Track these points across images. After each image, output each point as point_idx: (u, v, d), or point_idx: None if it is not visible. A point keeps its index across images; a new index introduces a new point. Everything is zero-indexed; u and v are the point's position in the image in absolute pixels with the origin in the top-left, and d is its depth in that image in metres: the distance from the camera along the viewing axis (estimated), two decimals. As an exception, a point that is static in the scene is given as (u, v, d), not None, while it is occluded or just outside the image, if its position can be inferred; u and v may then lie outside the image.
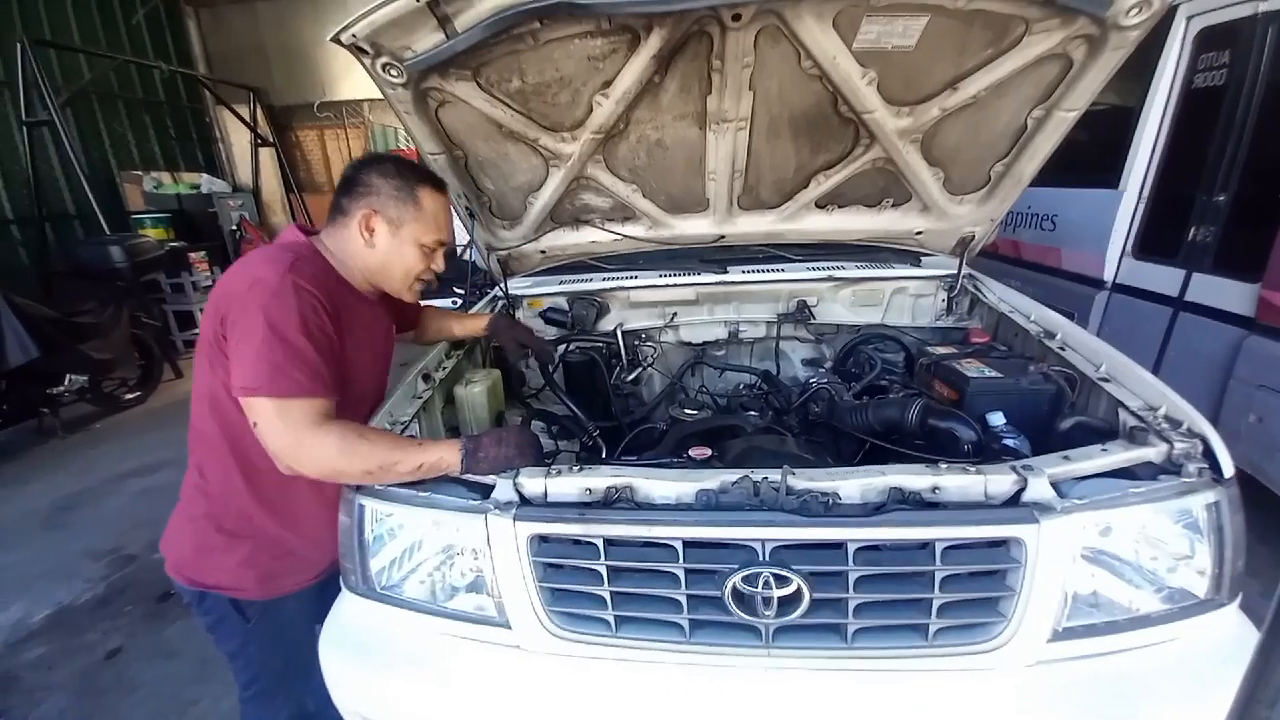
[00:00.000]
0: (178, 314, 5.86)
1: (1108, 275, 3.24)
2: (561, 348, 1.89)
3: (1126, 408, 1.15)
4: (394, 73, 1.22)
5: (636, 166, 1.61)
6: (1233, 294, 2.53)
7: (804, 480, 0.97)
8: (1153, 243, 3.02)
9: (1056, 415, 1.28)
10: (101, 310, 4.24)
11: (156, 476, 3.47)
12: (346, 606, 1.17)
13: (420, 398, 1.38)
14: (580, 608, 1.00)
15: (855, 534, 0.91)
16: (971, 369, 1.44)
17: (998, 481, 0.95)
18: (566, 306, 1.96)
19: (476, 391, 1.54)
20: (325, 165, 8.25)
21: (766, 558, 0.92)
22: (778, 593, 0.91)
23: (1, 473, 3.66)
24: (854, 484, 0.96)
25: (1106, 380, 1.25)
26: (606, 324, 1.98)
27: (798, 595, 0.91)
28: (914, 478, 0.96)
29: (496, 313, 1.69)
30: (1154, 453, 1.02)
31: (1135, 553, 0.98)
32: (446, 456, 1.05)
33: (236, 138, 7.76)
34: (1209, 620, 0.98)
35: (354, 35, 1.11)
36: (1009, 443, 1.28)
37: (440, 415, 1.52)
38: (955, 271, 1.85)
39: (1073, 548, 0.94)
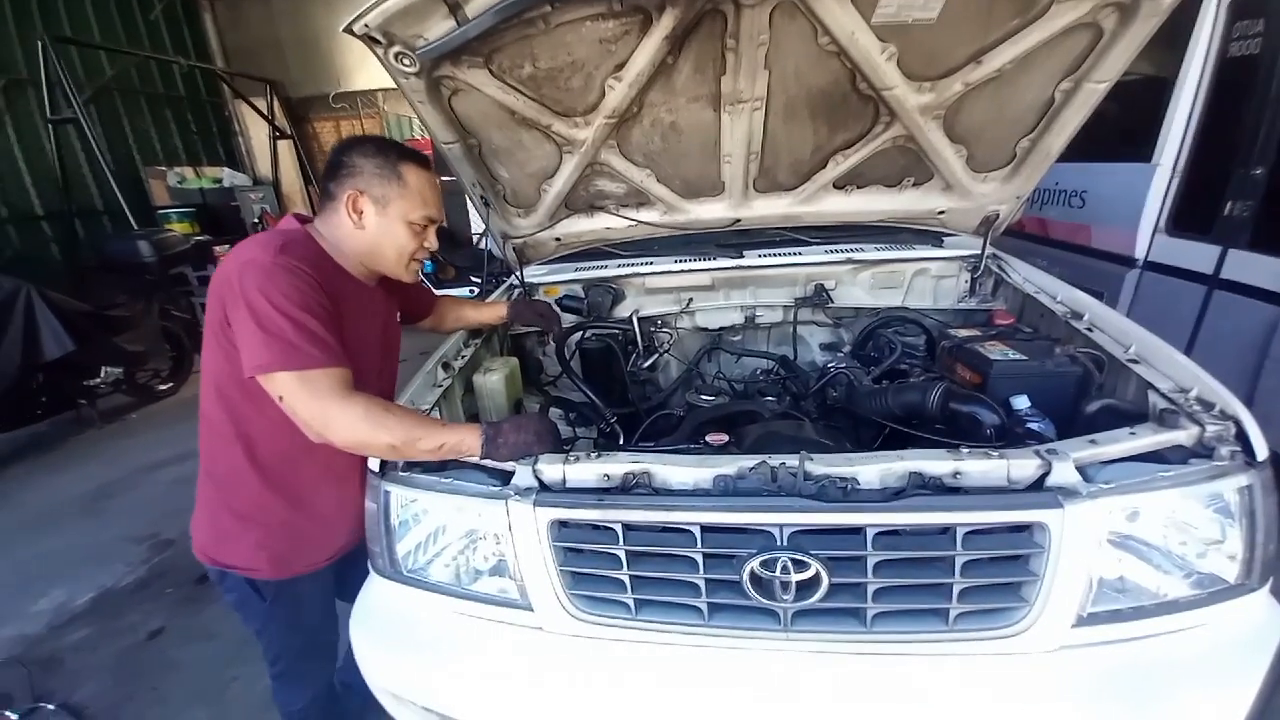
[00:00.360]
0: (205, 306, 5.99)
1: (1139, 253, 3.13)
2: (578, 335, 1.89)
3: (1156, 390, 1.12)
4: (407, 62, 1.22)
5: (650, 151, 1.59)
6: (1270, 271, 2.43)
7: (822, 465, 0.96)
8: (1187, 218, 2.91)
9: (1083, 398, 1.25)
10: (132, 303, 4.36)
11: (189, 465, 3.54)
12: (375, 589, 1.21)
13: (440, 386, 1.40)
14: (600, 591, 1.01)
15: (874, 519, 0.90)
16: (995, 351, 1.41)
17: (1021, 466, 0.93)
18: (582, 293, 1.96)
19: (494, 380, 1.56)
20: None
21: (784, 543, 0.92)
22: (796, 577, 0.91)
23: (42, 462, 3.81)
24: (873, 469, 0.96)
25: (1136, 362, 1.21)
26: (622, 310, 1.98)
27: (816, 580, 0.91)
28: (934, 463, 0.95)
29: (514, 298, 1.70)
30: (1184, 436, 0.99)
31: (1164, 538, 0.96)
32: (468, 439, 1.06)
33: (255, 131, 7.85)
34: (1239, 605, 0.96)
35: (366, 25, 1.12)
36: (1033, 426, 1.25)
37: (460, 403, 1.54)
38: (979, 251, 1.80)
39: (1099, 533, 0.92)
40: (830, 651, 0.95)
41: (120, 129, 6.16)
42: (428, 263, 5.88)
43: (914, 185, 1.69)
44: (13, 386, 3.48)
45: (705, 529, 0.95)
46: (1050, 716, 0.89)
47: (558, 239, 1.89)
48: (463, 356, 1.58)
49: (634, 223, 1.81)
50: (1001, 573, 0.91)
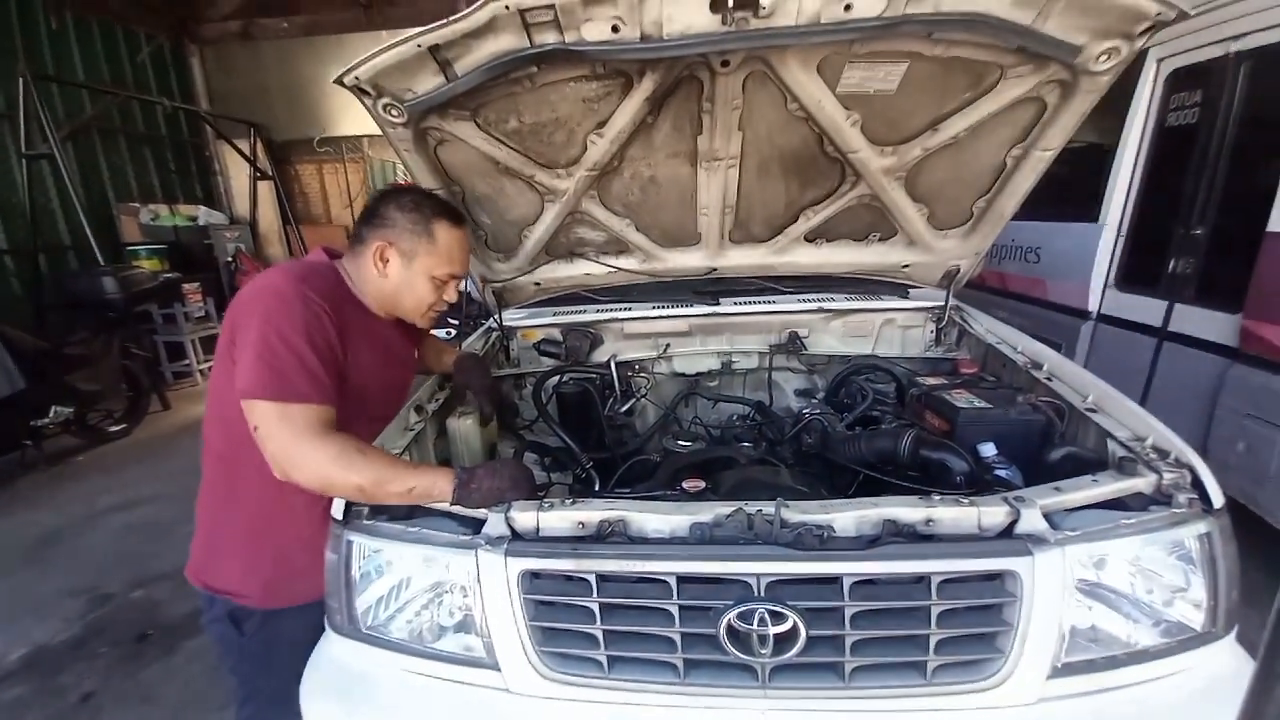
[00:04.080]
0: (169, 345, 5.83)
1: (1092, 306, 3.30)
2: (555, 379, 1.89)
3: (1115, 438, 1.16)
4: (395, 113, 1.25)
5: (630, 202, 1.64)
6: (1215, 324, 2.58)
7: (798, 513, 0.96)
8: (1134, 274, 3.10)
9: (1046, 446, 1.28)
10: (92, 340, 4.22)
11: (139, 512, 3.39)
12: (330, 647, 1.14)
13: (412, 430, 1.37)
14: (572, 647, 0.97)
15: (850, 568, 0.90)
16: (961, 399, 1.45)
17: (991, 513, 0.95)
18: (560, 338, 1.97)
19: (468, 424, 1.54)
20: (323, 198, 8.36)
21: (762, 593, 0.91)
22: (773, 630, 0.89)
23: (-19, 507, 3.57)
24: (848, 516, 0.96)
25: (1094, 411, 1.26)
26: (600, 355, 1.99)
27: (794, 633, 0.90)
28: (908, 510, 0.96)
29: (464, 351, 1.70)
30: (1144, 483, 1.03)
31: (1131, 585, 0.98)
32: (439, 484, 1.04)
33: (236, 171, 7.87)
34: (1207, 654, 0.97)
35: (357, 78, 1.15)
36: (1001, 473, 1.28)
37: (433, 447, 1.51)
38: (943, 303, 1.88)
39: (1067, 580, 0.93)
40: (809, 709, 0.92)
41: (96, 166, 6.11)
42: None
43: (880, 240, 1.77)
44: (-46, 426, 3.30)
45: (681, 579, 0.93)
46: None
47: (537, 284, 1.91)
48: (437, 400, 1.56)
49: (613, 270, 1.85)
50: (977, 623, 0.91)
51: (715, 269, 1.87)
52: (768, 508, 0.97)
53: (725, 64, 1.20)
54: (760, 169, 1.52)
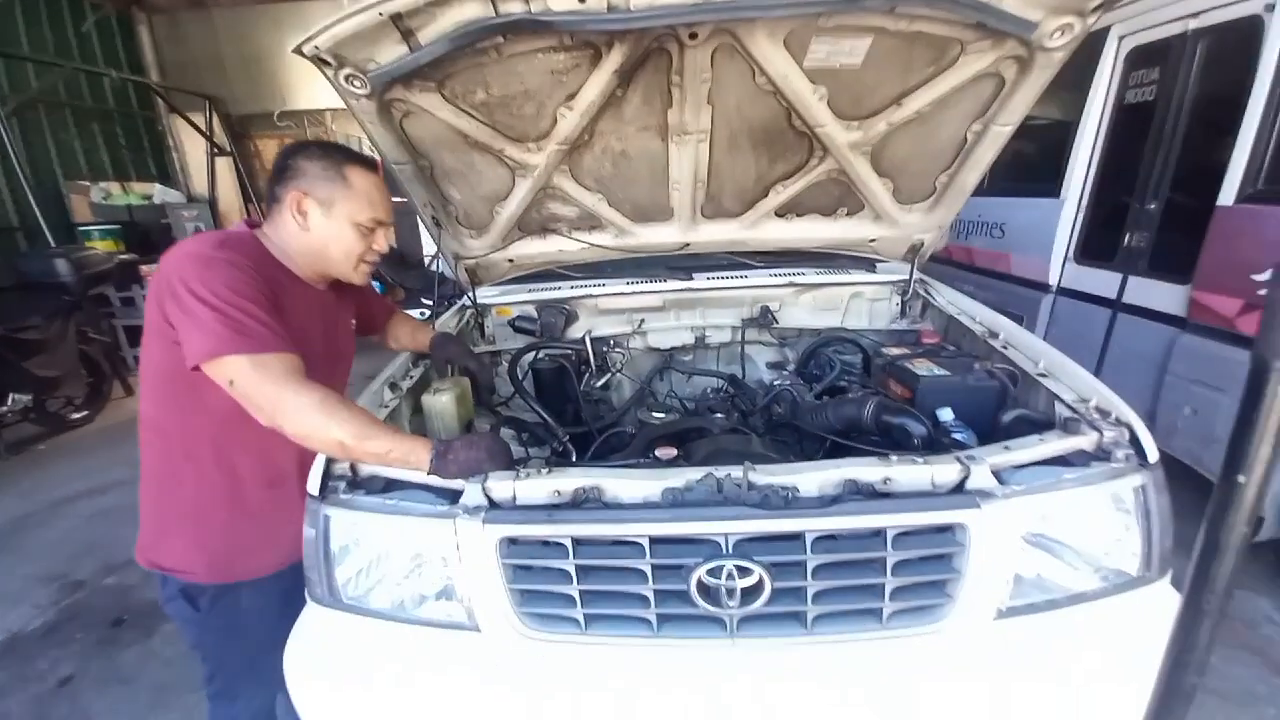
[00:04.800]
0: (128, 329, 5.63)
1: (1052, 279, 3.42)
2: (530, 355, 1.90)
3: (1062, 400, 1.23)
4: (357, 84, 1.23)
5: (602, 176, 1.64)
6: (1166, 295, 2.71)
7: (765, 476, 1.01)
8: (1092, 248, 3.21)
9: (1000, 409, 1.35)
10: (47, 326, 4.05)
11: (107, 498, 3.32)
12: (311, 618, 1.16)
13: (386, 406, 1.37)
14: (550, 608, 1.01)
15: (813, 524, 0.95)
16: (922, 368, 1.52)
17: (943, 471, 1.01)
18: (535, 314, 1.97)
19: (444, 400, 1.54)
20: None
21: (730, 550, 0.96)
22: (740, 584, 0.94)
23: (-63, 498, 3.45)
24: (812, 478, 1.01)
25: (1045, 376, 1.33)
26: (575, 331, 2.00)
27: (759, 586, 0.95)
28: (867, 470, 1.01)
29: (439, 331, 1.69)
30: (1086, 441, 1.10)
31: (1072, 535, 1.06)
32: (418, 451, 1.05)
33: (192, 147, 7.53)
34: (1142, 595, 1.05)
35: (316, 47, 1.12)
36: (957, 436, 1.35)
37: (408, 425, 1.52)
38: (907, 277, 1.94)
39: (1014, 531, 1.00)
40: (774, 655, 0.98)
41: (42, 142, 5.79)
42: (378, 284, 5.74)
43: (848, 215, 1.81)
44: (-98, 416, 3.16)
45: (654, 540, 0.97)
46: (971, 691, 0.95)
47: (510, 260, 1.91)
48: (411, 377, 1.56)
49: (586, 245, 1.85)
50: (929, 571, 0.98)
51: (688, 244, 1.89)
52: (736, 471, 1.01)
53: (693, 36, 1.20)
54: (730, 143, 1.53)
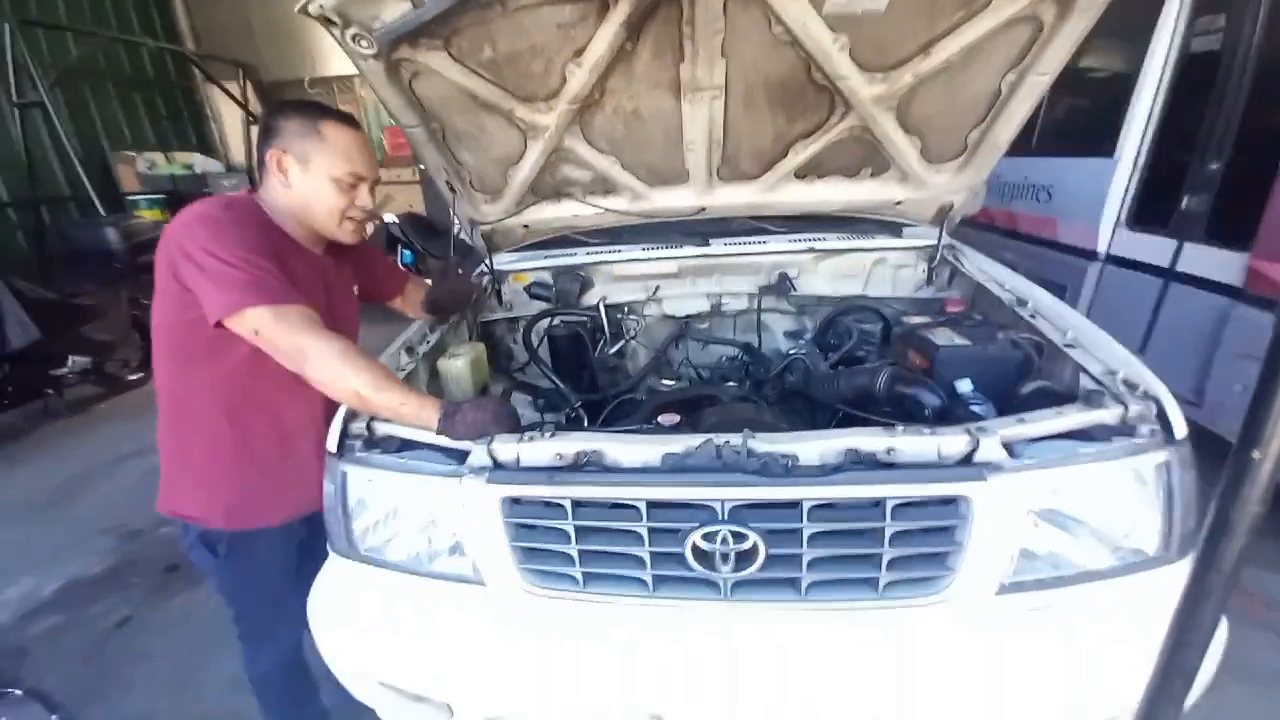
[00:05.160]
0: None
1: (1101, 247, 3.22)
2: (545, 322, 1.91)
3: (1087, 372, 1.17)
4: (364, 44, 1.21)
5: (614, 138, 1.61)
6: (1222, 264, 2.51)
7: (765, 443, 1.00)
8: (1146, 213, 2.99)
9: (1021, 381, 1.30)
10: (100, 292, 4.27)
11: (158, 456, 3.54)
12: (332, 568, 1.23)
13: (403, 370, 1.41)
14: (550, 565, 1.04)
15: (809, 493, 0.94)
16: (941, 337, 1.46)
17: (950, 443, 0.98)
18: (551, 281, 1.97)
19: (459, 365, 1.57)
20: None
21: (725, 516, 0.96)
22: (735, 549, 0.95)
23: (10, 453, 3.74)
24: (813, 446, 1.00)
25: (1072, 346, 1.27)
26: (591, 298, 2.00)
27: (754, 551, 0.95)
28: (871, 439, 0.99)
29: (433, 285, 1.70)
30: (1109, 415, 1.05)
31: (1088, 511, 1.02)
32: (428, 410, 1.08)
33: (228, 115, 7.67)
34: (1158, 576, 1.01)
35: (321, 6, 1.11)
36: (976, 408, 1.31)
37: (425, 389, 1.55)
38: (935, 242, 1.85)
39: (1022, 506, 0.97)
40: (768, 619, 0.99)
41: (87, 114, 6.00)
42: (408, 254, 5.82)
43: (872, 175, 1.72)
44: (-25, 376, 3.41)
45: (650, 504, 0.98)
46: (966, 661, 0.95)
47: (525, 226, 1.90)
48: (427, 341, 1.58)
49: (600, 210, 1.82)
50: (928, 543, 0.96)
51: (704, 208, 1.84)
52: (735, 438, 1.00)
53: (703, -17, 1.14)
54: (747, 100, 1.47)
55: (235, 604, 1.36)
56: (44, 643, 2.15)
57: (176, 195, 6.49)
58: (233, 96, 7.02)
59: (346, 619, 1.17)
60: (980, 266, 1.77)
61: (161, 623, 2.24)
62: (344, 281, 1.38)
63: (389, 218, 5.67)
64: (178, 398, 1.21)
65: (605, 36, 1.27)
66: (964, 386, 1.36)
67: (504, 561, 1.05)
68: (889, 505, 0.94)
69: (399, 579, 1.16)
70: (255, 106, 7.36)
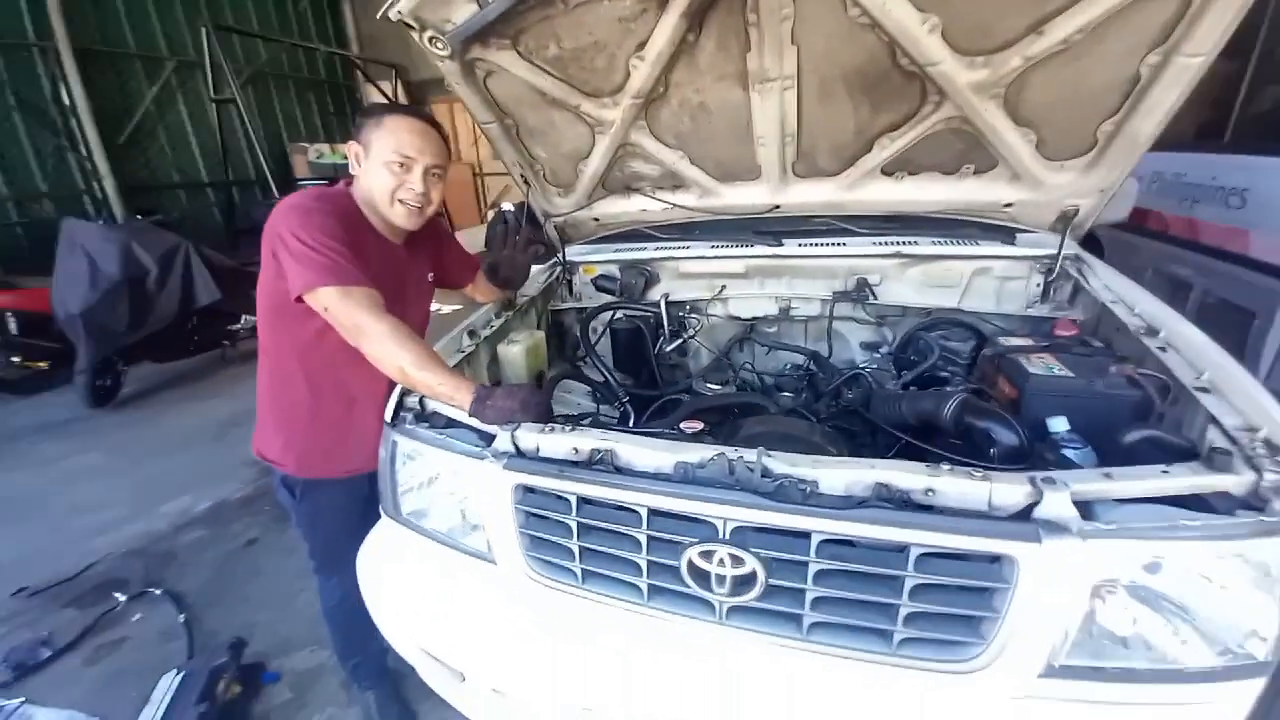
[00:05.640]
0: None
1: (1308, 265, 2.57)
2: (607, 315, 1.92)
3: (1219, 425, 0.94)
4: (439, 45, 1.30)
5: (681, 132, 1.57)
6: None
7: (785, 464, 0.93)
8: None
9: (1130, 427, 1.08)
10: (271, 260, 5.04)
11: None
12: (382, 527, 1.35)
13: (463, 352, 1.50)
14: (553, 556, 1.06)
15: (819, 525, 0.86)
16: (1038, 365, 1.26)
17: (1007, 492, 0.84)
18: (617, 274, 1.98)
19: (515, 351, 1.64)
20: (455, 135, 8.93)
21: (726, 536, 0.91)
22: (731, 572, 0.89)
23: (193, 390, 4.56)
24: (839, 474, 0.90)
25: (1205, 391, 1.03)
26: (655, 293, 1.98)
27: (753, 578, 0.89)
28: (907, 476, 0.88)
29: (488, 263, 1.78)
30: (1233, 482, 0.84)
31: (1182, 596, 0.82)
32: (462, 393, 1.14)
33: (382, 112, 8.65)
34: (1256, 686, 0.80)
35: (399, 12, 1.20)
36: (1070, 453, 1.11)
37: (485, 371, 1.64)
38: (1054, 252, 1.58)
39: (1090, 579, 0.81)
40: (764, 650, 0.92)
41: (271, 109, 7.08)
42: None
43: (975, 173, 1.51)
44: (172, 326, 4.18)
45: (652, 511, 0.96)
46: None
47: (596, 219, 1.93)
48: (491, 326, 1.67)
49: (669, 205, 1.79)
50: (957, 603, 0.83)
51: (778, 206, 1.74)
52: (750, 454, 0.94)
53: (765, -34, 1.07)
54: (822, 90, 1.36)
55: (309, 540, 1.55)
56: (189, 551, 2.60)
57: (337, 181, 7.45)
58: (385, 94, 7.88)
59: (384, 575, 1.28)
60: (1109, 284, 1.49)
61: (280, 547, 2.62)
62: (419, 269, 1.50)
63: (506, 206, 6.10)
64: (270, 356, 1.39)
65: (666, 29, 1.23)
66: (1058, 425, 1.16)
67: (513, 545, 1.09)
68: (912, 553, 0.83)
69: (430, 546, 1.24)
70: (404, 101, 8.22)
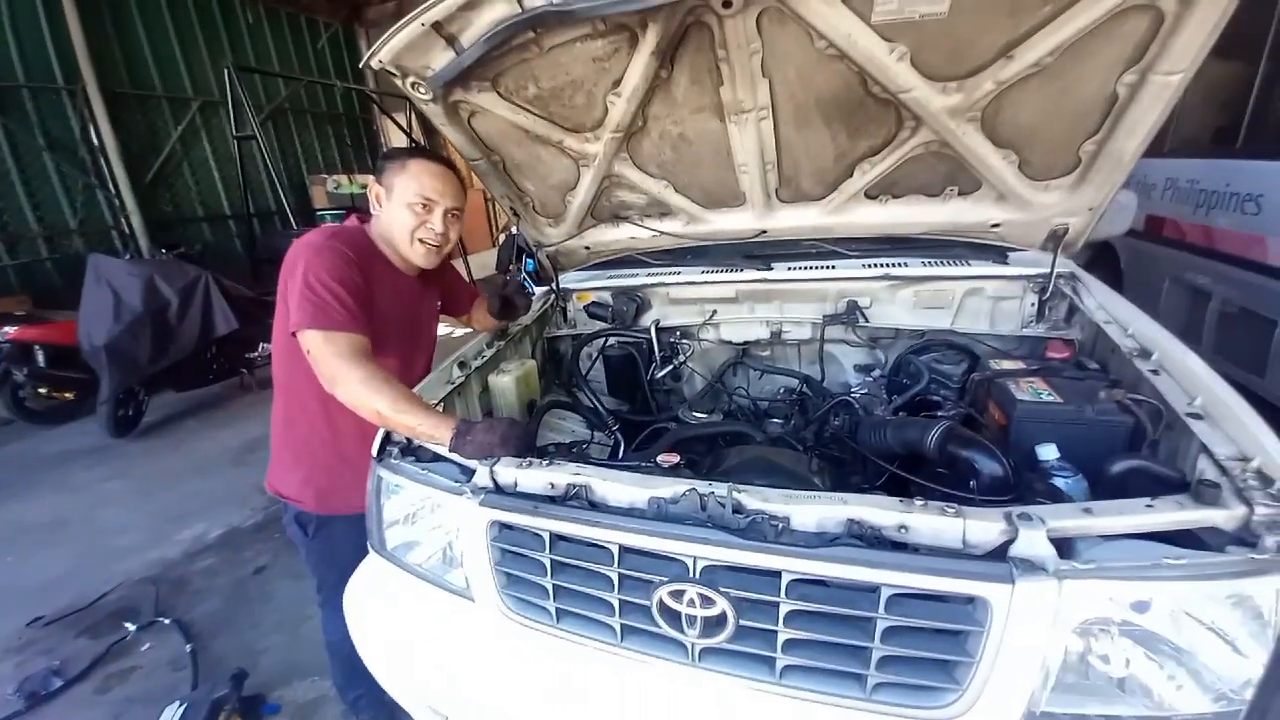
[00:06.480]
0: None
1: (1328, 273, 2.48)
2: (599, 342, 1.93)
3: (1210, 454, 0.90)
4: (422, 90, 1.34)
5: (664, 162, 1.58)
6: None
7: (756, 500, 0.91)
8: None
9: (1119, 455, 1.04)
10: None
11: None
12: (369, 562, 1.36)
13: (452, 383, 1.51)
14: (528, 594, 1.05)
15: (790, 564, 0.84)
16: (1026, 390, 1.23)
17: (981, 529, 0.81)
18: (609, 301, 2.00)
19: (506, 380, 1.66)
20: (466, 165, 9.14)
21: (696, 575, 0.89)
22: (701, 612, 0.88)
23: (212, 417, 4.68)
24: (810, 510, 0.89)
25: (1198, 417, 0.99)
26: (647, 319, 1.98)
27: (723, 619, 0.87)
28: (880, 512, 0.86)
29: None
30: (1223, 516, 0.80)
31: (1176, 637, 0.79)
32: (442, 430, 1.14)
33: (397, 143, 8.90)
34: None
35: (380, 60, 1.24)
36: (1059, 482, 1.08)
37: (478, 401, 1.66)
38: (1047, 270, 1.55)
39: (1071, 618, 0.78)
40: (738, 694, 0.90)
41: (291, 142, 7.35)
42: (529, 261, 6.28)
43: (960, 195, 1.50)
44: (192, 355, 4.31)
45: (624, 549, 0.95)
46: None
47: (587, 247, 1.95)
48: (482, 356, 1.69)
49: (656, 233, 1.81)
50: (930, 646, 0.80)
51: (765, 231, 1.74)
52: (721, 490, 0.93)
53: (728, 4, 1.08)
54: (798, 119, 1.36)
55: (319, 575, 1.57)
56: (201, 578, 2.65)
57: (355, 210, 7.68)
58: (400, 126, 8.13)
59: (368, 611, 1.28)
60: (1103, 302, 1.45)
61: (289, 573, 2.64)
62: (430, 300, 1.56)
63: (516, 231, 6.20)
64: (287, 392, 1.42)
65: (639, 66, 1.25)
66: (1047, 454, 1.13)
67: (489, 582, 1.08)
68: (884, 594, 0.80)
69: (414, 582, 1.24)
70: (418, 134, 8.45)
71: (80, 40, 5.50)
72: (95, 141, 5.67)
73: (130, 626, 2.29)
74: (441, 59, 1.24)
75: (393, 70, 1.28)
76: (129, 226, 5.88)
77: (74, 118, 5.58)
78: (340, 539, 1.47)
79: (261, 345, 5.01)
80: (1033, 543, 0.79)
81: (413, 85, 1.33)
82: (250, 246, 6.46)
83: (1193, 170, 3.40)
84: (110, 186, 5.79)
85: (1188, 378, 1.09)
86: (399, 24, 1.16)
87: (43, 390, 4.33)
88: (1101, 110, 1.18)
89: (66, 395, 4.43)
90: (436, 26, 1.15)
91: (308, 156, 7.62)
